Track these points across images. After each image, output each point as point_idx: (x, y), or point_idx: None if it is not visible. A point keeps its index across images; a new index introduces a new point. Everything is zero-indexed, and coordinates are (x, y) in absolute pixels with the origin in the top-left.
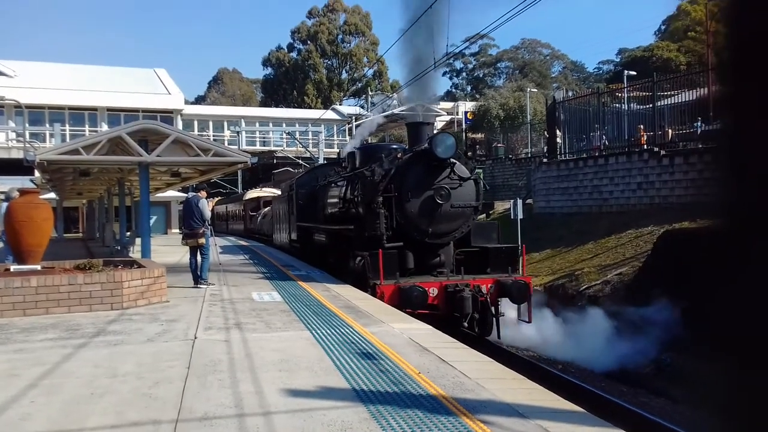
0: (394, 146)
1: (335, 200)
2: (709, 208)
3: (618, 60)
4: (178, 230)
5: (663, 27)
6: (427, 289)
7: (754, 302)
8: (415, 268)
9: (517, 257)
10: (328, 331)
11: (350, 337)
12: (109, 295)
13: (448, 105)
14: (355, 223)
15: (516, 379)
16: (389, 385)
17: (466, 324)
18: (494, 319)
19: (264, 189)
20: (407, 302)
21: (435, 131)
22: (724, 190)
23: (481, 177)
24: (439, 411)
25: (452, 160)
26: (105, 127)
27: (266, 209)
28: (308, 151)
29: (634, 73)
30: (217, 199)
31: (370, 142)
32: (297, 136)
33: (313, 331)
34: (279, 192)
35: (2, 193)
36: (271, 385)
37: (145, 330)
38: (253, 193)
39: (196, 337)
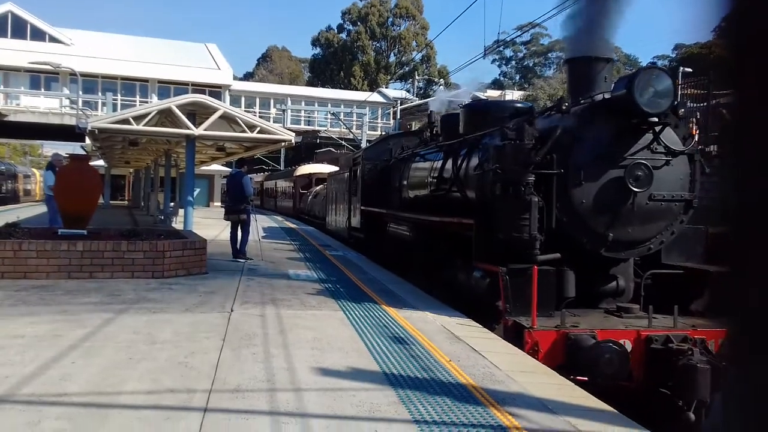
0: (519, 104)
1: (422, 179)
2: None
3: (674, 56)
4: (220, 203)
5: (723, 24)
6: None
7: None
8: (576, 298)
9: None
10: (361, 313)
11: (382, 320)
12: (151, 263)
13: (495, 93)
14: (474, 216)
15: (547, 374)
16: (419, 371)
17: (692, 415)
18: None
19: (317, 165)
20: (587, 366)
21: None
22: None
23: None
24: (468, 400)
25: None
26: (155, 99)
27: (318, 188)
28: (352, 133)
29: (690, 70)
30: (266, 173)
31: (410, 126)
32: (341, 117)
33: (347, 313)
34: (335, 168)
35: (59, 153)
36: (303, 362)
37: (184, 300)
38: (304, 169)
39: (232, 310)
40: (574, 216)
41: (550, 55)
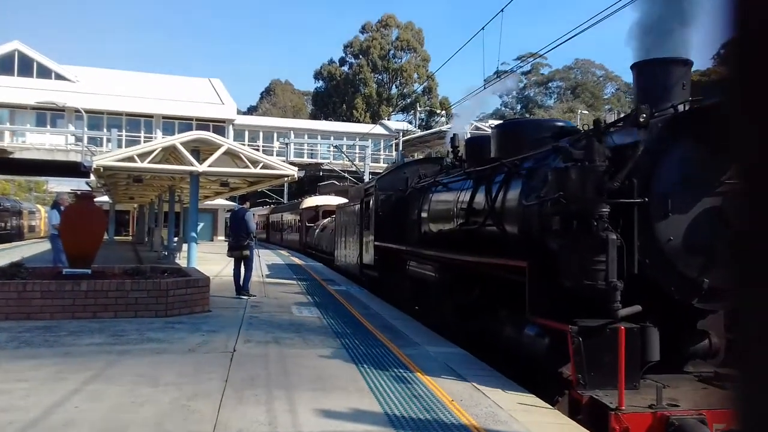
0: (560, 122)
1: (447, 211)
2: None
3: None
4: (224, 238)
5: (721, 51)
6: None
7: None
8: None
9: None
10: (364, 351)
11: (385, 358)
12: (155, 302)
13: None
14: (527, 257)
15: (549, 413)
16: (422, 412)
17: None
18: None
19: (324, 196)
20: None
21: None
22: None
23: None
24: None
25: None
26: (160, 134)
27: (326, 220)
28: (354, 165)
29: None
30: (272, 206)
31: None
32: (344, 149)
33: (350, 351)
34: (343, 200)
35: (63, 193)
36: (305, 404)
37: (187, 340)
38: (311, 201)
39: (235, 350)
40: (659, 257)
41: (550, 84)
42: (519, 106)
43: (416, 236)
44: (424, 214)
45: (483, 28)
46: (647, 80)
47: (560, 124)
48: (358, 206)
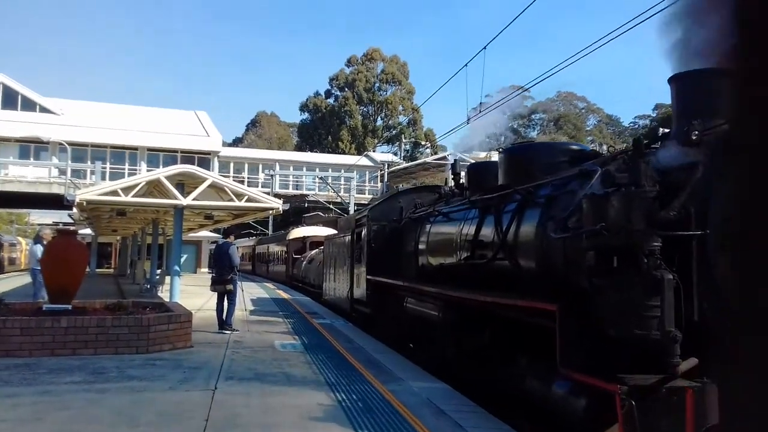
0: (575, 146)
1: (448, 243)
2: None
3: (654, 115)
4: (207, 269)
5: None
6: None
7: None
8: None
9: None
10: (347, 388)
11: (369, 395)
12: (135, 338)
13: (481, 154)
14: (558, 299)
15: None
16: None
17: None
18: None
19: (312, 227)
20: None
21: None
22: None
23: None
24: None
25: None
26: (144, 166)
27: (314, 252)
28: (339, 196)
29: (668, 130)
30: (258, 238)
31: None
32: (329, 181)
33: (333, 388)
34: (331, 230)
35: (45, 227)
36: None
37: (168, 377)
38: (298, 232)
39: (216, 388)
40: (721, 301)
41: (533, 116)
42: (503, 138)
43: (413, 270)
44: (422, 246)
45: (466, 65)
46: (688, 94)
47: (576, 147)
48: (348, 237)
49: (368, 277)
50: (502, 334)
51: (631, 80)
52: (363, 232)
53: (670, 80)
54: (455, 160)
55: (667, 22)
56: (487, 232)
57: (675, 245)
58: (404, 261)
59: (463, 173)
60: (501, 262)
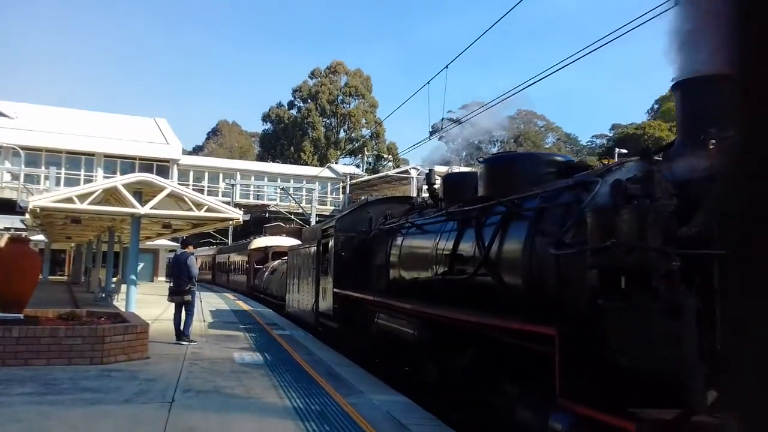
0: (560, 157)
1: (423, 257)
2: None
3: (611, 135)
4: (164, 278)
5: (656, 106)
6: None
7: None
8: None
9: None
10: (307, 401)
11: (328, 407)
12: (90, 349)
13: (442, 169)
14: (557, 322)
15: None
16: None
17: None
18: None
19: (275, 237)
20: None
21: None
22: None
23: None
24: None
25: None
26: (101, 173)
27: (276, 263)
28: (301, 207)
29: (625, 151)
30: (218, 247)
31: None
32: (291, 191)
33: (293, 401)
34: (295, 241)
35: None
36: None
37: (123, 389)
38: (260, 242)
39: (173, 400)
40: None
41: (494, 133)
42: (464, 154)
43: (383, 284)
44: (393, 260)
45: (428, 83)
46: (695, 102)
47: (561, 158)
48: (314, 248)
49: (335, 290)
50: (487, 356)
51: (589, 100)
52: (330, 243)
53: (675, 86)
54: (430, 170)
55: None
56: (467, 245)
57: (694, 265)
58: (374, 274)
59: (437, 184)
60: (483, 278)
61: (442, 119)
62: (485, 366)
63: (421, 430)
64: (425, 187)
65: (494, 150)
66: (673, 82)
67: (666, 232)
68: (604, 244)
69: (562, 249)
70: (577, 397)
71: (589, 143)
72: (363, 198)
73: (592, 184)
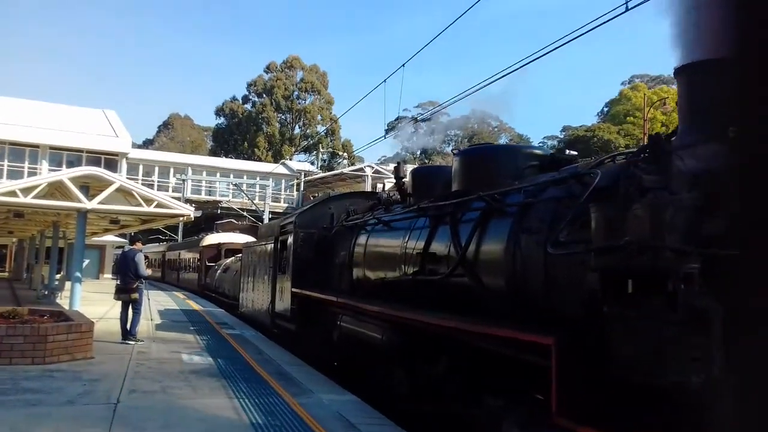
0: (538, 150)
1: (390, 255)
2: None
3: (562, 137)
4: (111, 276)
5: (605, 109)
6: None
7: None
8: None
9: None
10: (257, 401)
11: (278, 407)
12: (32, 348)
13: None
14: (552, 330)
15: None
16: None
17: None
18: None
19: (228, 234)
20: None
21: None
22: None
23: None
24: None
25: None
26: (46, 165)
27: (229, 260)
28: (254, 204)
29: (576, 153)
30: (168, 243)
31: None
32: (244, 188)
33: (242, 401)
34: (249, 238)
35: None
36: None
37: (66, 390)
38: (212, 239)
39: (119, 401)
40: None
41: (448, 132)
42: (419, 152)
43: (346, 284)
44: (357, 258)
45: (385, 81)
46: (697, 88)
47: (540, 151)
48: (271, 245)
49: (294, 289)
50: (465, 365)
51: (541, 101)
52: (289, 240)
53: (678, 71)
54: (398, 162)
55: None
56: (441, 244)
57: (716, 266)
58: (336, 273)
59: (406, 178)
60: (459, 279)
61: (398, 116)
62: (462, 375)
63: (370, 430)
64: (390, 182)
65: (448, 149)
66: (676, 67)
67: (687, 230)
68: (612, 242)
69: (557, 248)
70: (577, 416)
71: (540, 144)
72: (319, 195)
73: (588, 176)
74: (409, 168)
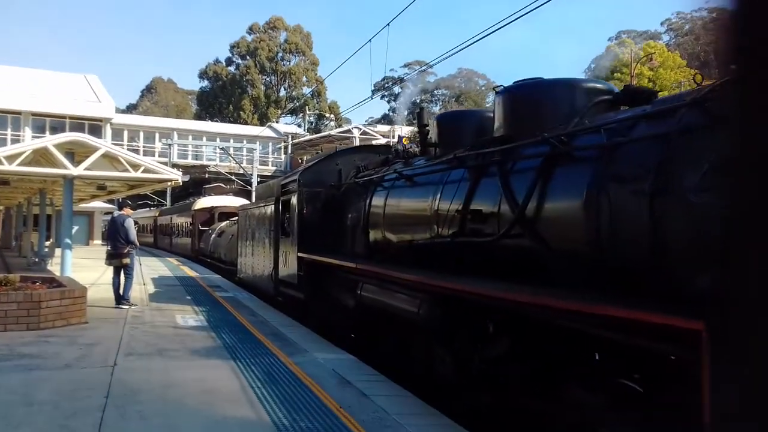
0: (602, 84)
1: (419, 214)
2: None
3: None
4: (100, 242)
5: (592, 65)
6: None
7: None
8: None
9: None
10: (252, 360)
11: (273, 367)
12: (26, 314)
13: (385, 128)
14: (699, 312)
15: (433, 415)
16: (310, 421)
17: None
18: None
19: (221, 196)
20: None
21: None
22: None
23: None
24: None
25: None
26: (29, 132)
27: (224, 224)
28: (242, 168)
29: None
30: (160, 208)
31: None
32: (231, 152)
33: (237, 361)
34: (243, 200)
35: None
36: (192, 418)
37: (63, 354)
38: (205, 202)
39: (116, 364)
40: None
41: (436, 92)
42: (406, 113)
43: (361, 248)
44: (374, 219)
45: (370, 41)
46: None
47: (603, 86)
48: (271, 207)
49: (300, 254)
50: (539, 348)
51: (527, 58)
52: (292, 200)
53: None
54: (421, 108)
55: None
56: (488, 199)
57: None
58: (348, 236)
59: (431, 126)
60: (515, 241)
61: (384, 77)
62: (539, 361)
63: (366, 386)
64: (414, 130)
65: (436, 109)
66: None
67: None
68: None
69: (701, 197)
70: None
71: None
72: (305, 159)
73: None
74: (398, 130)
